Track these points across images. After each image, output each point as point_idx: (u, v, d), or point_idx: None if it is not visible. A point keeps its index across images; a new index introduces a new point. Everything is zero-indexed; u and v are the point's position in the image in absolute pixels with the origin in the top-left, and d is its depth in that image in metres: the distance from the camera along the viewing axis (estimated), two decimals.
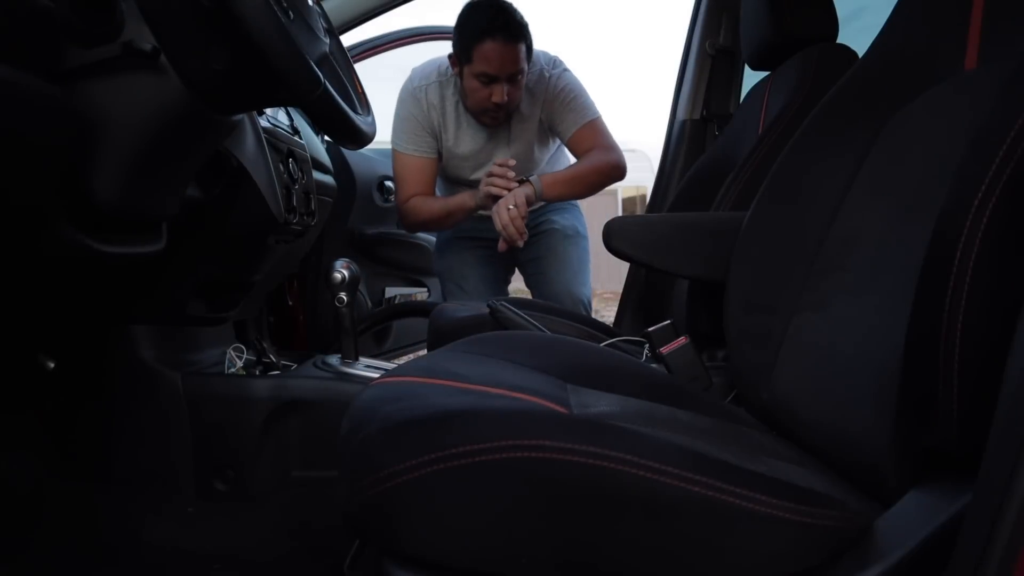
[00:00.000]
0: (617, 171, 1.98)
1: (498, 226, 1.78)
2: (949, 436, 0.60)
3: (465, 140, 2.02)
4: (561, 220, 2.14)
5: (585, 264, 2.15)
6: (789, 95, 1.42)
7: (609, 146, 1.98)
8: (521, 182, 1.84)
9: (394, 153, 2.04)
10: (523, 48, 1.85)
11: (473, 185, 2.02)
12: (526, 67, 1.89)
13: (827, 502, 0.59)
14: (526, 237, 1.82)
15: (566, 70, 2.03)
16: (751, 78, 1.93)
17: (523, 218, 1.78)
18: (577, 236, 2.14)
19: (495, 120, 1.94)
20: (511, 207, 1.77)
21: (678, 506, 0.57)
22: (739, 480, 0.58)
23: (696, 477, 0.57)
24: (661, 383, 0.98)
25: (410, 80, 2.03)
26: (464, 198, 1.97)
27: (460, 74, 1.90)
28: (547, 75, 2.00)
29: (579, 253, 2.12)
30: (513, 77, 1.85)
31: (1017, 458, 0.47)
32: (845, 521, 0.58)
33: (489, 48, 1.80)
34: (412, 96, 2.00)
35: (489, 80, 1.83)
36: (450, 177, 2.11)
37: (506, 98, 1.85)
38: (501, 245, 1.86)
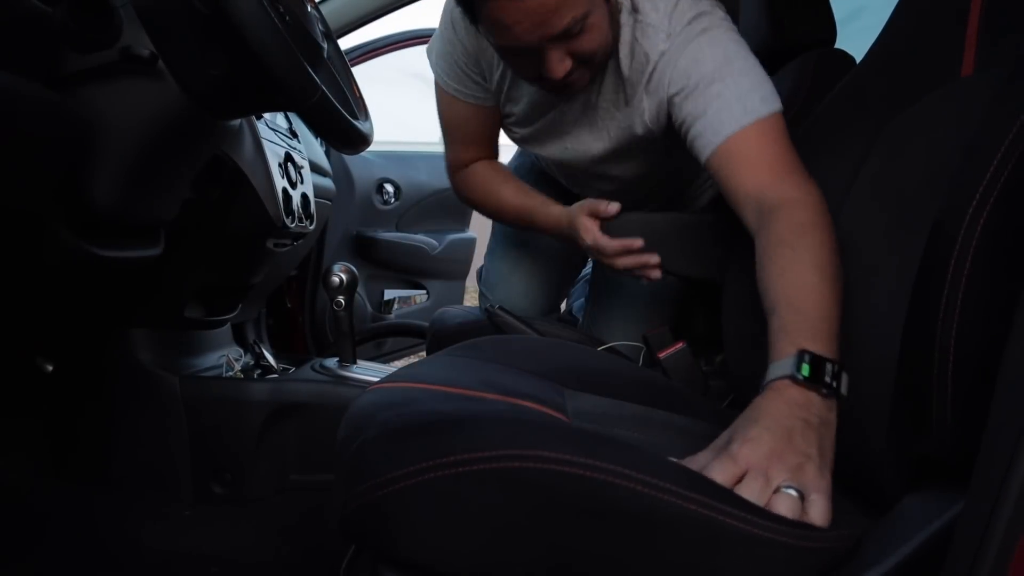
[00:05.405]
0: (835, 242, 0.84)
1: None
2: (943, 443, 0.60)
3: (524, 97, 1.22)
4: None
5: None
6: (787, 99, 1.42)
7: (799, 198, 0.90)
8: None
9: (436, 87, 1.27)
10: None
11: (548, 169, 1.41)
12: (592, 7, 0.97)
13: None
14: None
15: (706, 30, 1.06)
16: None
17: None
18: None
19: (566, 91, 1.09)
20: None
21: (674, 522, 0.57)
22: (735, 501, 0.58)
23: (692, 495, 0.57)
24: (658, 387, 0.98)
25: None
26: (555, 218, 1.23)
27: None
28: (664, 37, 1.06)
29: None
30: (568, 33, 0.96)
31: (1009, 464, 0.47)
32: (840, 540, 0.58)
33: (497, 7, 0.92)
34: (456, 14, 1.15)
35: (519, 53, 1.00)
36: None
37: (567, 68, 1.00)
38: None
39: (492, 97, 1.24)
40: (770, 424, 0.64)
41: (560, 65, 0.99)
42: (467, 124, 1.28)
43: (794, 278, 0.79)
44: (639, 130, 1.15)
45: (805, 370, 0.67)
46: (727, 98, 1.01)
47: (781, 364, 0.69)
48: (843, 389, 0.68)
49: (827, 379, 0.67)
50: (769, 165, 0.97)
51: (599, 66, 1.08)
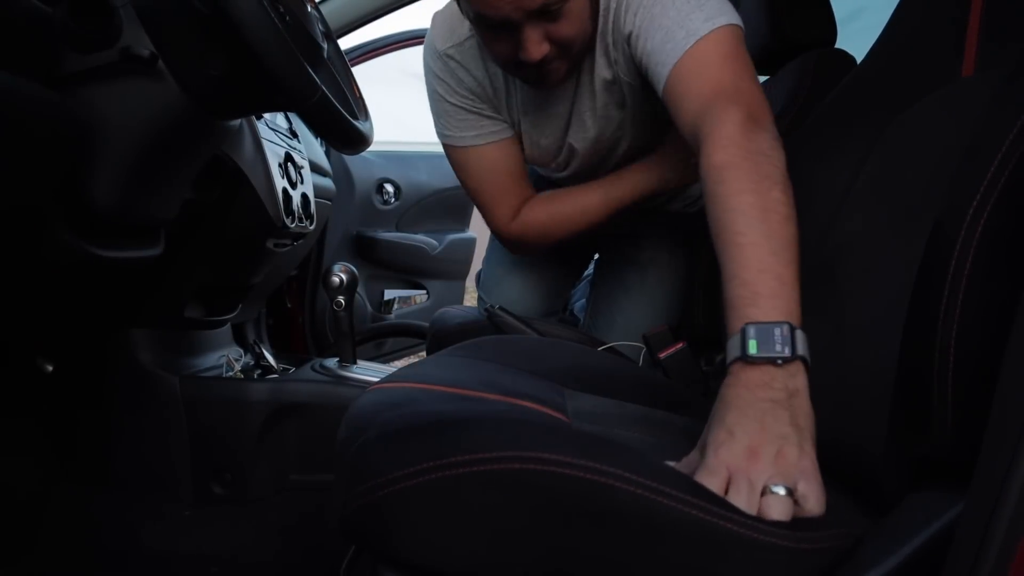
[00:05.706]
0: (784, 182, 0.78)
1: None
2: (943, 444, 0.60)
3: (529, 100, 1.23)
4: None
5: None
6: (787, 100, 1.42)
7: (715, 133, 0.83)
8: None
9: (446, 151, 1.30)
10: None
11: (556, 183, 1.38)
12: None
13: (823, 524, 0.58)
14: None
15: None
16: None
17: None
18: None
19: (543, 82, 1.13)
20: None
21: (674, 526, 0.57)
22: (734, 505, 0.57)
23: (692, 499, 0.57)
24: (658, 388, 0.98)
25: (430, 42, 1.24)
26: (638, 164, 1.25)
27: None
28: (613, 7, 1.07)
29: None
30: (546, 11, 0.99)
31: (1010, 465, 0.47)
32: (840, 539, 0.58)
33: None
34: (438, 64, 1.23)
35: (497, 27, 1.02)
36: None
37: (544, 52, 1.03)
38: None
39: (508, 127, 1.26)
40: (737, 418, 0.62)
41: (537, 47, 1.01)
42: (502, 165, 1.27)
43: (727, 237, 0.73)
44: (624, 87, 1.15)
45: (752, 347, 0.63)
46: (671, 28, 0.97)
47: (731, 344, 0.65)
48: (800, 350, 0.63)
49: (778, 348, 0.63)
50: (699, 93, 0.91)
51: (576, 59, 1.10)
